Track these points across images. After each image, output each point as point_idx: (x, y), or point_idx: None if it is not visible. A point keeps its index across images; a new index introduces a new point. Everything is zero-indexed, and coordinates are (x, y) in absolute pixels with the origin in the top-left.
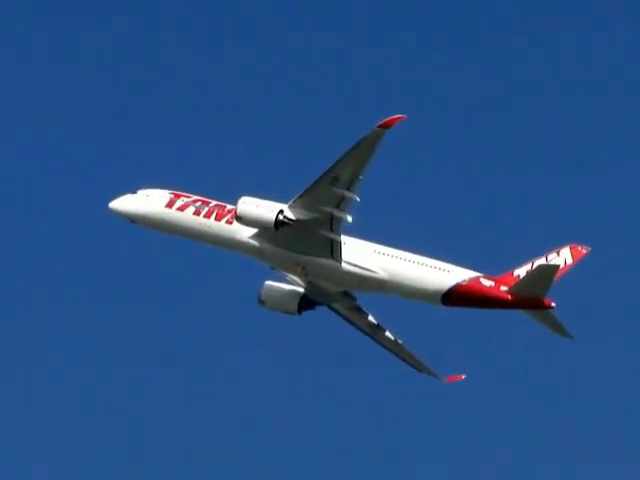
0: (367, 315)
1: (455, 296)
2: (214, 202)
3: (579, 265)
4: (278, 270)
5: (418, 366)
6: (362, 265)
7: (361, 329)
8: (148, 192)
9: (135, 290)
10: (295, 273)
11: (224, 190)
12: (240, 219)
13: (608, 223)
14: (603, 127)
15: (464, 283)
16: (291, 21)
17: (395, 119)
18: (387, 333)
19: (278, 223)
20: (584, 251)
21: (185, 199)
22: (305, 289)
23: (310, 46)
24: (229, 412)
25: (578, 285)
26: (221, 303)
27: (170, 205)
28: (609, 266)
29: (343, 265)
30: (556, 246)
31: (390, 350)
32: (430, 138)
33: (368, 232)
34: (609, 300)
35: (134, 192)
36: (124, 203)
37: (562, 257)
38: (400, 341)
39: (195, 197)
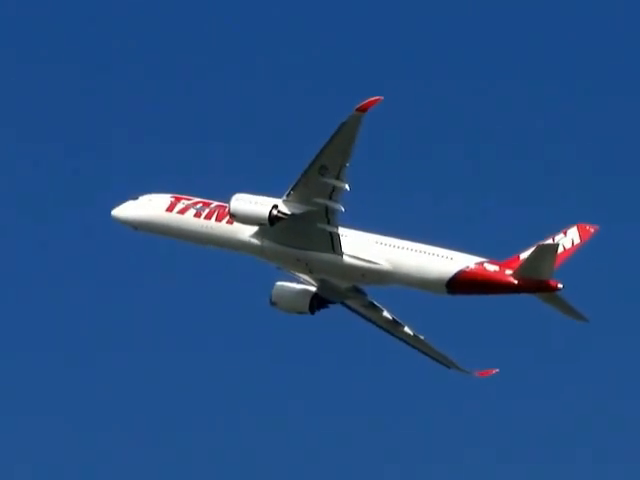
0: (382, 311)
1: (460, 283)
2: (215, 203)
3: (588, 244)
4: (284, 269)
5: (445, 361)
6: (364, 257)
7: (379, 325)
8: (150, 197)
9: (143, 297)
10: (302, 271)
11: (226, 190)
12: (234, 217)
13: (617, 202)
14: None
15: (468, 269)
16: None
17: (371, 102)
18: (406, 328)
19: (272, 218)
20: (592, 230)
21: (186, 202)
22: (317, 287)
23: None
24: (248, 418)
25: (589, 265)
26: (233, 306)
27: (171, 209)
28: (619, 244)
29: (345, 258)
30: (563, 227)
31: (413, 346)
32: (422, 119)
33: (366, 223)
34: (621, 279)
35: (135, 198)
36: (126, 210)
37: (569, 237)
38: (422, 336)
39: (196, 199)
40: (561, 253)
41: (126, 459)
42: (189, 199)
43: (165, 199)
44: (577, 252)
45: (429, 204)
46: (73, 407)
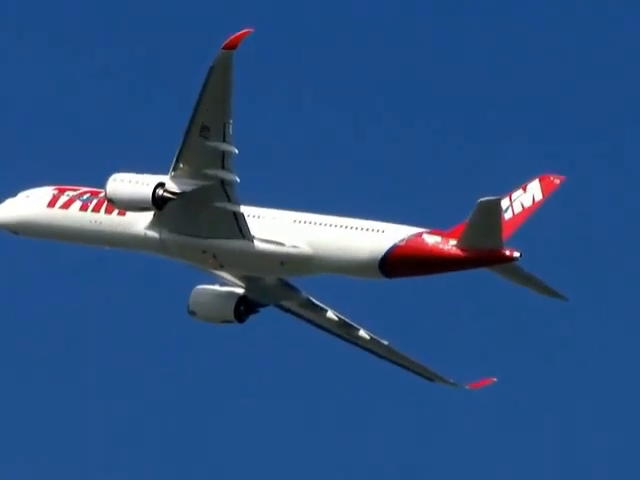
0: (325, 311)
1: (395, 262)
2: None
3: (552, 199)
4: (197, 268)
5: (424, 372)
6: (279, 240)
7: (328, 330)
8: (28, 192)
9: (38, 316)
10: (214, 267)
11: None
12: (112, 202)
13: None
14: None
15: (402, 243)
16: None
17: (239, 36)
18: (361, 332)
19: (158, 199)
20: (557, 181)
21: (71, 193)
22: (244, 288)
23: None
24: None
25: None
26: (146, 319)
27: (52, 204)
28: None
29: (257, 244)
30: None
31: (378, 355)
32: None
33: (282, 199)
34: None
35: (14, 195)
36: (3, 211)
37: (529, 193)
38: (385, 342)
39: (84, 189)
40: (520, 213)
41: None
42: (75, 189)
43: (46, 193)
44: (539, 210)
45: (352, 168)
46: None
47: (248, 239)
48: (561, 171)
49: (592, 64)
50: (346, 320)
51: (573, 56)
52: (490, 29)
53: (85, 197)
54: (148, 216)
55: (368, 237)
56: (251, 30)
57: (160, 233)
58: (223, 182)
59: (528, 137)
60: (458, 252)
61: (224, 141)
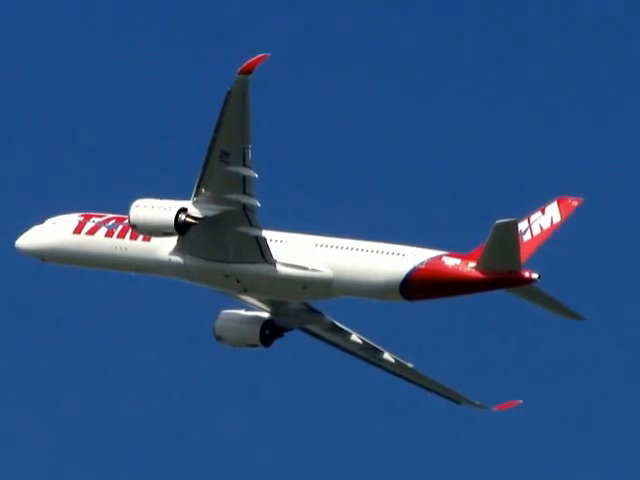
0: (350, 334)
1: (416, 284)
2: None
3: (570, 221)
4: (223, 293)
5: (450, 395)
6: (302, 265)
7: (352, 352)
8: (55, 219)
9: (69, 344)
10: (239, 291)
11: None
12: (136, 228)
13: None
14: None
15: (423, 266)
16: None
17: (256, 61)
18: (386, 355)
19: (181, 225)
20: (575, 203)
21: (97, 219)
22: (269, 312)
23: None
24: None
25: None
26: (172, 345)
27: (79, 230)
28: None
29: (279, 268)
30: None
31: (404, 378)
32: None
33: (305, 223)
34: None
35: (41, 222)
36: (30, 238)
37: (548, 215)
38: (410, 364)
39: (109, 215)
40: (538, 235)
41: None
42: (101, 216)
43: (72, 219)
44: (557, 232)
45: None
46: None
47: (270, 263)
48: (580, 193)
49: (610, 80)
50: (371, 343)
51: (590, 68)
52: (494, 34)
53: (110, 223)
54: (173, 242)
55: (389, 260)
56: (267, 54)
57: (184, 258)
58: (245, 207)
59: (548, 157)
60: (477, 274)
61: (244, 166)
